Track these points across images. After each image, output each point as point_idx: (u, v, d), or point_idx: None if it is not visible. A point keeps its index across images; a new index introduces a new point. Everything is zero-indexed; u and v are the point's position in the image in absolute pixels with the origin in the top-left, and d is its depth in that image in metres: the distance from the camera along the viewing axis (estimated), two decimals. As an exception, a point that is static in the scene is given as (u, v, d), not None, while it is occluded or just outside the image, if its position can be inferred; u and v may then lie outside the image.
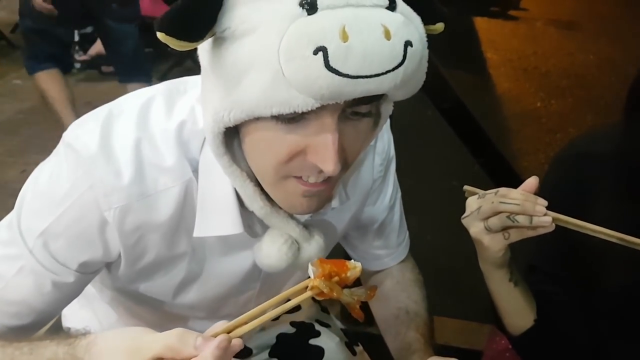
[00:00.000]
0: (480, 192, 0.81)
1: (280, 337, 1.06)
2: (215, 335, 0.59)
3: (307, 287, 0.69)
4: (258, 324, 0.63)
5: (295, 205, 0.75)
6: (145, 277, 0.85)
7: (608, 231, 0.77)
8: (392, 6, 0.63)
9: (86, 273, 0.81)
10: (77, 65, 4.33)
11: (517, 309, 0.92)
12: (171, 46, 0.61)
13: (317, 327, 1.13)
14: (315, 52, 0.59)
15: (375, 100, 0.67)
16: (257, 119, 0.65)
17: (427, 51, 0.67)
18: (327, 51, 0.59)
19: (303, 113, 0.63)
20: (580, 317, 0.96)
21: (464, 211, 0.83)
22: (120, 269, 0.82)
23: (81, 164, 0.74)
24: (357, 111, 0.68)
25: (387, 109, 0.75)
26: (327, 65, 0.59)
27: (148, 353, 0.59)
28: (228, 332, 0.61)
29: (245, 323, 0.62)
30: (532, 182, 0.79)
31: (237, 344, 0.60)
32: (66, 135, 0.76)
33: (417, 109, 2.00)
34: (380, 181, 0.98)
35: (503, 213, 0.76)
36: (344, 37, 0.59)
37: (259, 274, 0.91)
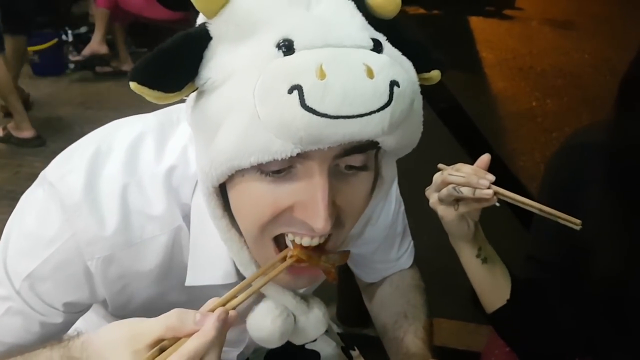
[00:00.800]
0: (446, 167, 0.85)
1: None
2: (211, 310, 0.58)
3: (287, 256, 0.67)
4: (249, 294, 0.62)
5: (278, 280, 0.68)
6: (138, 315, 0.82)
7: (532, 202, 0.81)
8: (377, 49, 0.59)
9: (74, 312, 0.78)
10: (71, 66, 4.33)
11: (487, 287, 0.95)
12: (146, 98, 0.58)
13: None
14: (290, 91, 0.54)
15: (368, 149, 0.62)
16: (242, 173, 0.61)
17: (420, 97, 0.63)
18: (302, 89, 0.54)
19: (290, 166, 0.60)
20: (570, 303, 0.96)
21: None
22: (109, 309, 0.80)
23: (65, 210, 0.71)
24: (351, 164, 0.63)
25: (388, 169, 0.70)
26: (303, 104, 0.54)
27: (149, 337, 0.57)
28: (223, 305, 0.60)
29: (235, 296, 0.61)
30: (484, 158, 0.83)
31: (233, 315, 0.59)
32: (49, 174, 0.73)
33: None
34: (382, 204, 0.94)
35: (451, 184, 0.81)
36: (321, 74, 0.55)
37: (245, 336, 0.90)
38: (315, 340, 1.08)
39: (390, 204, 0.96)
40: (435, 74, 0.65)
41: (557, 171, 1.00)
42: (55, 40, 4.26)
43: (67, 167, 0.73)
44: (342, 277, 2.03)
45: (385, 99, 0.56)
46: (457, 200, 0.83)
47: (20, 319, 0.76)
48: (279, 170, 0.60)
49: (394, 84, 0.57)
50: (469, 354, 1.23)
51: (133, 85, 0.57)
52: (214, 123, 0.60)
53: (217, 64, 0.60)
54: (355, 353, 1.14)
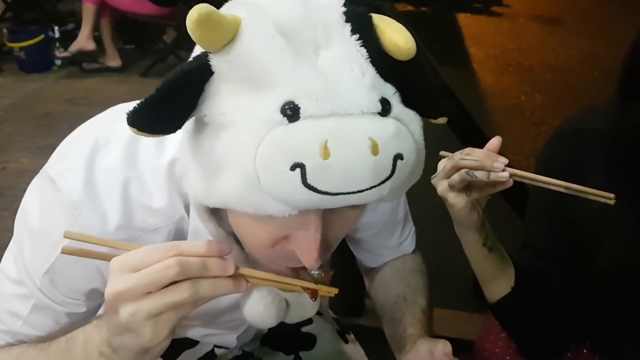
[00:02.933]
0: (451, 154, 0.82)
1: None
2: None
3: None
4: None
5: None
6: None
7: (556, 181, 0.78)
8: (385, 111, 0.57)
9: (95, 300, 0.79)
10: (58, 62, 4.29)
11: (492, 275, 0.95)
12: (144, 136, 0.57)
13: None
14: (293, 168, 0.54)
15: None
16: None
17: (423, 153, 0.62)
18: (305, 168, 0.53)
19: None
20: (569, 290, 0.96)
21: None
22: None
23: (67, 207, 0.71)
24: None
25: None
26: (305, 183, 0.54)
27: None
28: None
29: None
30: (494, 142, 0.81)
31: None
32: (50, 169, 0.73)
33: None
34: None
35: (463, 169, 0.78)
36: (325, 154, 0.53)
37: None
38: (311, 323, 1.09)
39: None
40: (441, 120, 0.64)
41: (554, 156, 0.99)
42: (42, 36, 4.22)
43: (67, 163, 0.73)
44: (336, 269, 2.04)
45: (388, 173, 0.56)
46: (468, 187, 0.81)
47: (47, 314, 0.77)
48: None
49: (397, 157, 0.56)
50: (461, 342, 1.23)
51: (133, 130, 0.56)
52: (211, 163, 0.59)
53: (217, 104, 0.58)
54: (351, 337, 1.14)
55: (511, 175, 0.77)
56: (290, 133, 0.54)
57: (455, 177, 0.80)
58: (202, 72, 0.57)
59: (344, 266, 2.01)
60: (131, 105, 0.66)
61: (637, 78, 0.84)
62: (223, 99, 0.57)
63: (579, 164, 0.93)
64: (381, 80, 0.58)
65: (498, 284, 0.96)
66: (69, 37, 4.39)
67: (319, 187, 0.54)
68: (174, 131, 0.58)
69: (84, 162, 0.72)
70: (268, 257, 0.67)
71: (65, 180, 0.71)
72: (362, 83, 0.56)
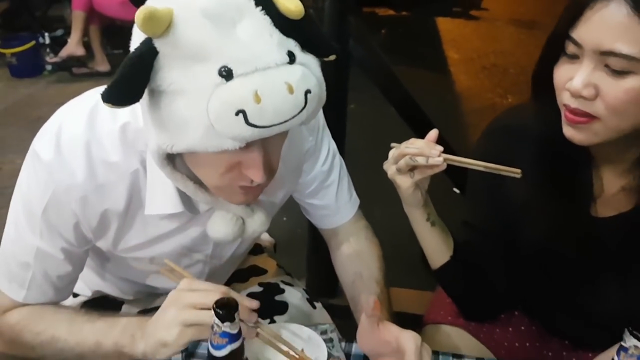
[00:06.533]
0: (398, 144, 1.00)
1: (249, 295, 1.19)
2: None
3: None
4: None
5: (236, 199, 0.92)
6: (113, 245, 1.02)
7: (477, 162, 0.96)
8: (292, 60, 0.76)
9: (79, 243, 0.98)
10: (49, 67, 4.42)
11: (435, 246, 1.11)
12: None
13: (282, 285, 1.30)
14: (237, 114, 0.73)
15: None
16: None
17: (324, 84, 0.82)
18: (245, 112, 0.73)
19: None
20: (499, 263, 1.12)
21: None
22: (96, 242, 1.01)
23: (43, 170, 0.91)
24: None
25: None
26: (247, 123, 0.74)
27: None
28: None
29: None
30: (432, 134, 0.99)
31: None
32: (33, 143, 0.93)
33: (378, 106, 2.15)
34: (312, 149, 1.13)
35: (407, 155, 0.96)
36: (257, 99, 0.73)
37: (209, 240, 1.06)
38: (284, 293, 1.27)
39: (320, 151, 1.16)
40: (332, 57, 0.84)
41: (484, 149, 1.11)
42: (32, 42, 4.36)
43: (42, 137, 0.93)
44: (311, 253, 2.19)
45: (302, 105, 0.77)
46: (412, 170, 0.98)
47: (50, 261, 0.97)
48: None
49: (307, 92, 0.77)
50: (414, 316, 1.40)
51: (108, 105, 0.73)
52: (172, 123, 0.77)
53: (166, 76, 0.75)
54: (318, 304, 1.30)
55: (445, 160, 0.94)
56: (230, 89, 0.73)
57: (401, 162, 0.97)
58: (150, 53, 0.74)
59: (317, 251, 2.19)
60: (91, 91, 0.92)
61: (540, 83, 1.01)
62: (171, 71, 0.74)
63: (506, 157, 1.04)
64: (284, 38, 0.77)
65: (440, 254, 1.12)
66: (58, 43, 4.54)
67: (258, 124, 0.74)
68: (137, 101, 0.76)
69: (54, 131, 0.91)
70: (224, 182, 0.86)
71: (41, 146, 0.91)
72: (272, 43, 0.75)
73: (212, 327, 0.77)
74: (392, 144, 1.02)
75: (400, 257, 1.14)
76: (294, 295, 1.27)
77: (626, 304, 0.94)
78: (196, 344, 1.09)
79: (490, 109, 4.16)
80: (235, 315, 0.76)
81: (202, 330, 0.85)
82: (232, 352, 0.78)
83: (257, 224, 0.98)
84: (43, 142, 0.92)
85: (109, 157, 0.91)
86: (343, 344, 1.10)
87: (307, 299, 1.30)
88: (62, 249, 0.97)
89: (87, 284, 1.22)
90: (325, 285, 2.03)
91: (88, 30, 4.27)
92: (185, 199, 0.96)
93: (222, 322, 0.76)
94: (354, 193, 1.25)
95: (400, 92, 1.90)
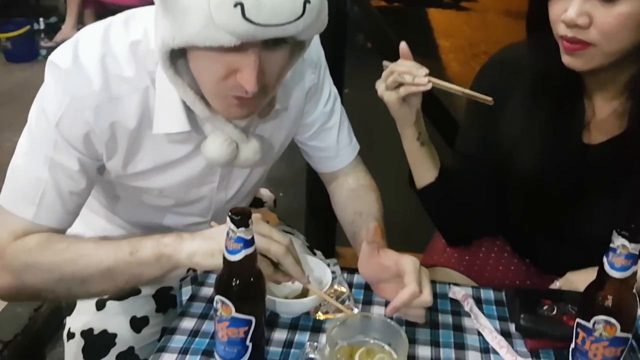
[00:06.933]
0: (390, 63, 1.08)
1: None
2: None
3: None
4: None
5: (231, 112, 0.95)
6: (123, 168, 1.05)
7: (456, 87, 1.05)
8: None
9: (91, 154, 1.01)
10: (43, 52, 4.44)
11: (422, 165, 1.20)
12: None
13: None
14: (235, 6, 0.77)
15: (286, 39, 0.86)
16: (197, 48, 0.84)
17: (326, 6, 0.86)
18: (243, 6, 0.77)
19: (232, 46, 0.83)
20: (483, 189, 1.19)
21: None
22: (106, 162, 1.03)
23: (61, 78, 0.94)
24: (276, 43, 0.86)
25: (306, 41, 0.95)
26: (244, 17, 0.78)
27: None
28: None
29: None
30: (403, 46, 1.08)
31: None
32: (50, 57, 0.97)
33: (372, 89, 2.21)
34: (314, 89, 1.18)
35: (396, 72, 1.05)
36: None
37: (215, 171, 1.12)
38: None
39: (322, 91, 1.21)
40: None
41: (480, 82, 1.21)
42: (27, 27, 4.39)
43: (59, 50, 0.97)
44: (309, 212, 2.24)
45: (300, 12, 0.81)
46: (399, 87, 1.06)
47: (62, 173, 0.99)
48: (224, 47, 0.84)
49: (306, 1, 0.81)
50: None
51: None
52: (177, 12, 0.81)
53: None
54: (318, 252, 1.35)
55: (429, 81, 1.03)
56: None
57: (390, 79, 1.07)
58: None
59: (318, 219, 2.24)
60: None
61: (534, 22, 1.07)
62: None
63: (503, 89, 1.15)
64: None
65: (426, 173, 1.21)
66: (52, 29, 4.56)
67: (254, 20, 0.78)
68: None
69: (72, 45, 0.96)
70: (220, 90, 0.90)
71: (59, 57, 0.96)
72: None
73: (228, 233, 0.81)
74: (385, 62, 1.10)
75: (391, 230, 1.20)
76: (294, 242, 1.31)
77: (613, 224, 0.99)
78: (206, 275, 1.14)
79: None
80: (250, 222, 0.81)
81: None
82: (246, 257, 0.82)
83: (251, 152, 1.02)
84: (61, 53, 0.96)
85: (122, 72, 0.96)
86: (345, 274, 1.15)
87: (308, 246, 1.35)
88: (77, 158, 0.99)
89: (96, 230, 1.24)
90: (324, 251, 2.08)
91: (82, 15, 4.30)
92: (191, 119, 1.00)
93: (238, 227, 0.80)
94: (354, 138, 1.30)
95: (395, 52, 1.95)
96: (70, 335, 1.20)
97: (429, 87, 1.04)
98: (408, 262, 0.98)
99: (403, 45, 1.09)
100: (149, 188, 1.10)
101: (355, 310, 1.04)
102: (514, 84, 1.15)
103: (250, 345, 0.87)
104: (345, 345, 0.82)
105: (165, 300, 1.27)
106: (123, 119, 0.98)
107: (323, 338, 0.98)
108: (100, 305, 1.21)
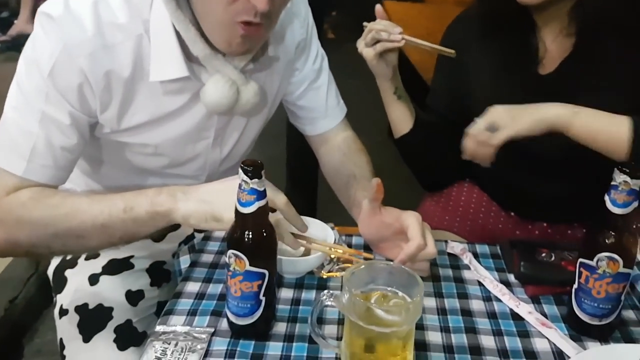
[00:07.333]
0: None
1: None
2: None
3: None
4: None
5: (233, 44, 0.95)
6: (117, 121, 1.03)
7: (425, 42, 1.18)
8: None
9: (84, 110, 0.99)
10: (-3, 47, 4.30)
11: (399, 116, 1.30)
12: None
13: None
14: None
15: None
16: None
17: None
18: None
19: None
20: (452, 137, 1.23)
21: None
22: (100, 116, 1.02)
23: (53, 26, 0.92)
24: None
25: None
26: None
27: None
28: None
29: None
30: (380, 11, 1.18)
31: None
32: (40, 8, 0.95)
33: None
34: (303, 44, 1.21)
35: (374, 30, 1.16)
36: None
37: (211, 125, 1.11)
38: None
39: (310, 48, 1.24)
40: None
41: (447, 38, 1.36)
42: (-22, 22, 4.24)
43: (48, 1, 0.95)
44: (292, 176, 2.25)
45: None
46: (376, 44, 1.17)
47: (54, 127, 0.97)
48: None
49: None
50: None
51: None
52: None
53: None
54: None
55: (402, 38, 1.15)
56: None
57: (368, 36, 1.17)
58: None
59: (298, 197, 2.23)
60: None
61: None
62: None
63: (465, 44, 1.28)
64: None
65: (402, 125, 1.31)
66: (4, 23, 4.43)
67: None
68: None
69: None
70: (227, 16, 0.90)
71: (50, 6, 0.94)
72: None
73: (240, 185, 0.81)
74: (365, 23, 1.19)
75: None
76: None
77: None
78: (205, 242, 1.13)
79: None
80: (262, 173, 0.81)
81: None
82: (259, 209, 0.82)
83: (251, 93, 1.03)
84: (51, 3, 0.94)
85: (116, 19, 0.95)
86: (343, 237, 1.16)
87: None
88: (69, 112, 0.97)
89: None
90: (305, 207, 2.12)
91: (37, 8, 4.17)
92: (189, 65, 0.99)
93: (251, 179, 0.80)
94: (342, 100, 1.33)
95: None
96: (63, 312, 1.17)
97: (402, 43, 1.16)
98: (411, 217, 1.00)
99: (378, 7, 1.18)
100: (144, 144, 1.09)
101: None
102: (471, 34, 1.29)
103: (263, 299, 0.87)
104: (359, 293, 0.83)
105: (160, 274, 1.26)
106: (117, 68, 0.97)
107: (329, 294, 0.99)
108: (93, 281, 1.19)
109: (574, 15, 1.15)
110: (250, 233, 0.83)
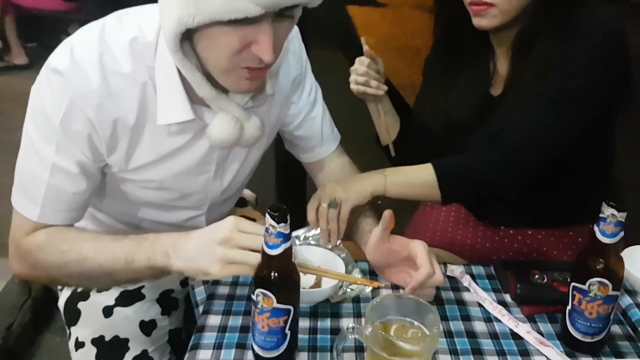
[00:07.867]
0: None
1: None
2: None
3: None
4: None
5: (241, 86, 1.00)
6: (125, 163, 1.08)
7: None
8: None
9: (94, 158, 1.04)
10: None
11: (383, 130, 1.45)
12: None
13: None
14: None
15: (295, 7, 0.93)
16: (214, 23, 0.87)
17: None
18: None
19: (248, 18, 0.88)
20: (431, 137, 1.39)
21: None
22: (107, 158, 1.06)
23: (60, 79, 0.97)
24: (284, 14, 0.92)
25: (298, 13, 1.00)
26: None
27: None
28: None
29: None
30: (367, 49, 1.37)
31: None
32: (47, 61, 1.00)
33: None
34: (299, 79, 1.26)
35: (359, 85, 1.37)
36: None
37: (212, 159, 1.16)
38: None
39: (305, 82, 1.30)
40: None
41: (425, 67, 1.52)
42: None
43: (56, 53, 1.00)
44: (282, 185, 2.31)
45: None
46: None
47: (64, 177, 1.03)
48: (241, 20, 0.88)
49: None
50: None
51: None
52: None
53: None
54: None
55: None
56: None
57: (355, 88, 1.37)
58: None
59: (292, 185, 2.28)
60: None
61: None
62: None
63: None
64: None
65: (387, 136, 1.45)
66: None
67: None
68: None
69: (68, 47, 0.99)
70: (233, 64, 0.94)
71: (56, 60, 0.98)
72: None
73: (267, 229, 0.87)
74: (357, 60, 1.38)
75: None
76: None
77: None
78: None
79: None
80: (287, 217, 0.87)
81: (245, 269, 0.93)
82: (285, 250, 0.88)
83: (254, 128, 1.08)
84: (57, 56, 0.99)
85: (120, 68, 0.99)
86: (357, 262, 1.22)
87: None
88: (78, 162, 1.02)
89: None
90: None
91: (3, 23, 4.12)
92: (193, 108, 1.04)
93: (278, 223, 0.86)
94: (335, 129, 1.40)
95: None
96: (79, 345, 1.21)
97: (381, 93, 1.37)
98: (419, 246, 1.08)
99: (367, 49, 1.36)
100: (149, 180, 1.13)
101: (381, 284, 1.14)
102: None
103: (288, 333, 0.93)
104: (378, 324, 0.90)
105: (169, 302, 1.31)
106: (123, 115, 1.01)
107: (342, 322, 1.06)
108: (107, 313, 1.23)
109: (514, 44, 1.26)
110: (277, 273, 0.90)
